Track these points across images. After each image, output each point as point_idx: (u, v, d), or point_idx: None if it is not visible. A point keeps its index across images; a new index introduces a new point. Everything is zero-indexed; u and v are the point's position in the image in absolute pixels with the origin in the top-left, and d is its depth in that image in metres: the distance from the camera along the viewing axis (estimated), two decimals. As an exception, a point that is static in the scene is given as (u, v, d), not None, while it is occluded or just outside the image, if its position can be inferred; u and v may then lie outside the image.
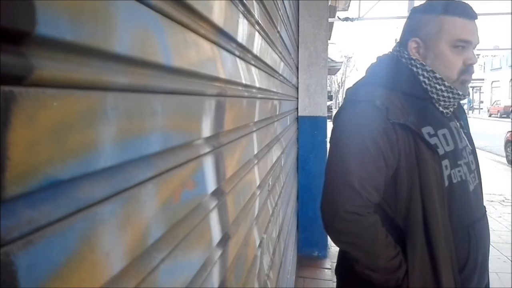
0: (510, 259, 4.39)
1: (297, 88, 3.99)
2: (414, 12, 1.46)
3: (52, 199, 0.36)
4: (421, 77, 1.39)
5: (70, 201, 0.38)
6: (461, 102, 1.60)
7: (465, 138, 1.48)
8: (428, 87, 1.38)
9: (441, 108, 1.41)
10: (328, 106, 5.02)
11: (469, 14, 1.34)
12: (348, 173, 1.28)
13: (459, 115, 1.53)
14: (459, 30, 1.33)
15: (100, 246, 0.43)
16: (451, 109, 1.44)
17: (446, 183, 1.32)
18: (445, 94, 1.38)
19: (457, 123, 1.48)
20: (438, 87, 1.37)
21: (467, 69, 1.36)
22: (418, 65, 1.39)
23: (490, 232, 1.49)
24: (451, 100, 1.39)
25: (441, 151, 1.33)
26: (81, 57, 0.40)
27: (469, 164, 1.42)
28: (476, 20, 1.37)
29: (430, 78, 1.37)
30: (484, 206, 1.49)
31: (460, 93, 1.38)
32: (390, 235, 1.30)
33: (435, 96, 1.39)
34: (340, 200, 1.28)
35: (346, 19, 11.61)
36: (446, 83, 1.36)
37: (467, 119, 1.59)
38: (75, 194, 0.39)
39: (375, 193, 1.29)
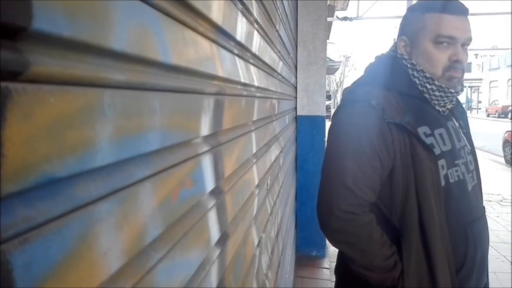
0: (510, 259, 4.39)
1: (296, 88, 3.99)
2: (406, 11, 1.47)
3: (49, 197, 0.36)
4: (411, 77, 1.39)
5: (67, 199, 0.38)
6: (460, 102, 1.59)
7: (464, 138, 1.47)
8: (419, 87, 1.38)
9: (437, 107, 1.41)
10: (326, 106, 5.02)
11: (454, 10, 1.33)
12: (343, 173, 1.28)
13: (458, 114, 1.53)
14: (439, 25, 1.32)
15: (98, 245, 0.43)
16: (448, 107, 1.43)
17: (443, 182, 1.32)
18: (437, 93, 1.37)
19: (456, 123, 1.47)
20: (428, 86, 1.37)
21: (453, 65, 1.34)
22: (409, 65, 1.39)
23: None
24: (444, 99, 1.38)
25: (437, 151, 1.32)
26: (79, 53, 0.40)
27: (467, 164, 1.42)
28: (464, 16, 1.34)
29: (421, 78, 1.37)
30: (484, 206, 1.49)
31: (453, 91, 1.37)
32: (386, 235, 1.30)
33: (427, 95, 1.38)
34: (335, 199, 1.28)
35: (345, 18, 11.60)
36: (436, 82, 1.35)
37: (467, 119, 1.58)
38: (72, 192, 0.39)
39: (370, 192, 1.29)
